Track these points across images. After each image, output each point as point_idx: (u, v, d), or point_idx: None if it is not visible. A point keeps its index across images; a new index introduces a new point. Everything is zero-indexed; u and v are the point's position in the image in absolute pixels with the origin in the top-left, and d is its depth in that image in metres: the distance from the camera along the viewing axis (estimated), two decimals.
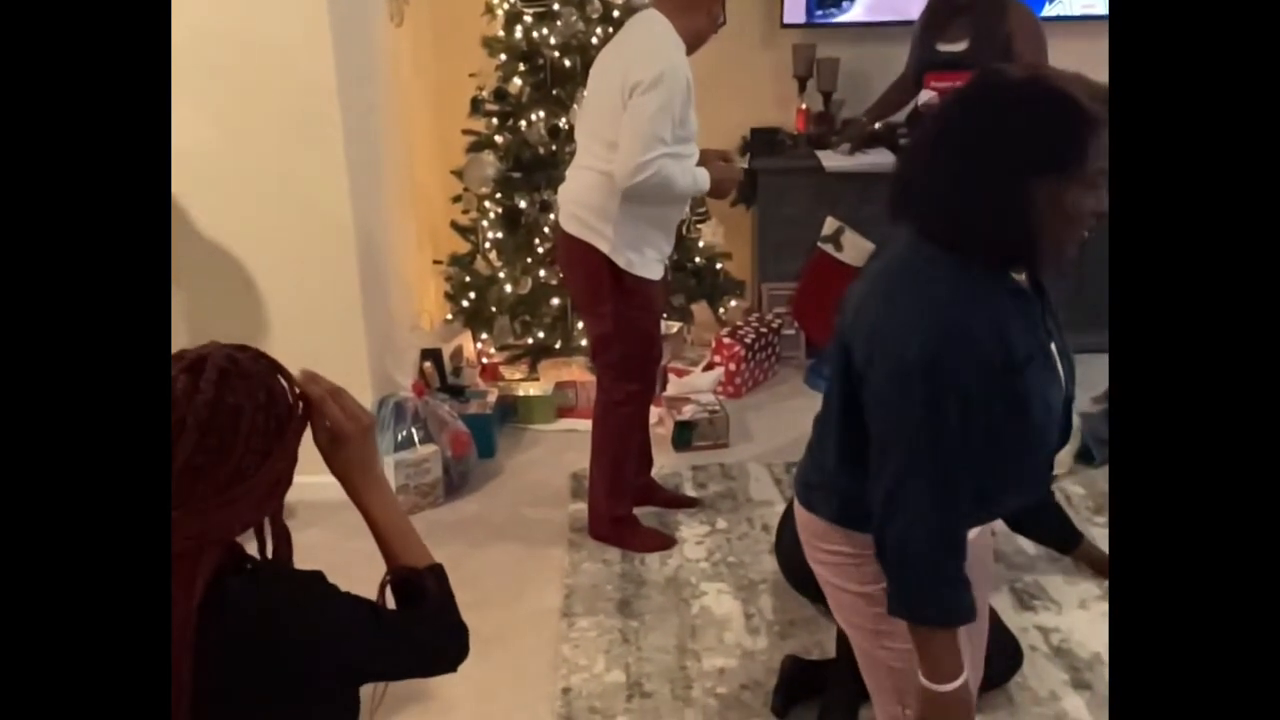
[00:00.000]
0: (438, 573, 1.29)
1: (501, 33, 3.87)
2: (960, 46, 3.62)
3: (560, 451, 3.62)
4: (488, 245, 3.97)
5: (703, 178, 2.77)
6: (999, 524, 2.44)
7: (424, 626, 1.26)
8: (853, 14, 4.38)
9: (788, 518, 2.75)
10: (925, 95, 3.66)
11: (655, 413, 3.36)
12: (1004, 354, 1.38)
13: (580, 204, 2.79)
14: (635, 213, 2.75)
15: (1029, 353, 1.42)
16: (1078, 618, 2.65)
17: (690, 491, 3.36)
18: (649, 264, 2.83)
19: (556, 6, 3.73)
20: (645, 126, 2.60)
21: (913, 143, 1.53)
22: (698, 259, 4.11)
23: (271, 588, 1.14)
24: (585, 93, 2.91)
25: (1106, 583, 2.70)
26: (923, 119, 3.65)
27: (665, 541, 3.06)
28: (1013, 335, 1.40)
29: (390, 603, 1.25)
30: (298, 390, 1.19)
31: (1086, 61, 1.63)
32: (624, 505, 3.07)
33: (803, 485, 1.69)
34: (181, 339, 1.19)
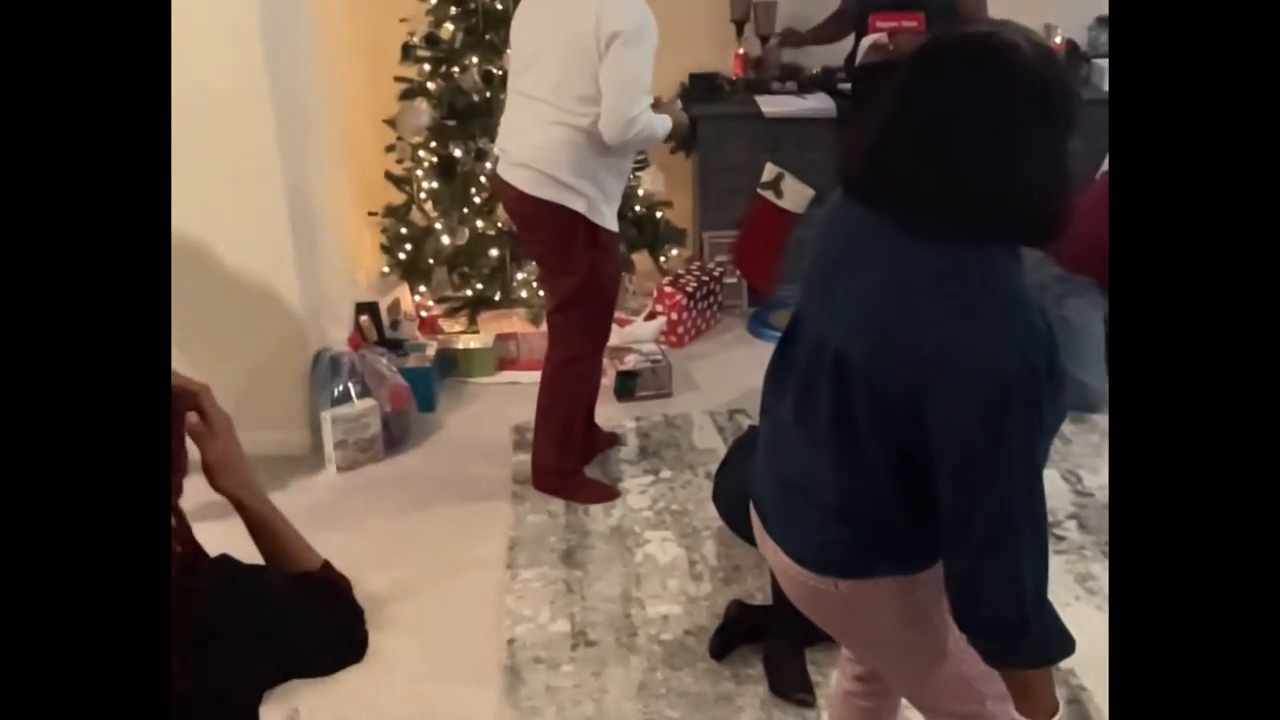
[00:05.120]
0: (329, 564, 1.26)
1: None
2: None
3: (502, 404, 3.58)
4: (423, 196, 3.89)
5: (668, 123, 2.75)
6: None
7: (353, 620, 1.24)
8: None
9: (726, 466, 2.76)
10: (871, 39, 3.60)
11: None
12: (1054, 347, 1.24)
13: (552, 164, 2.67)
14: (612, 166, 2.72)
15: None
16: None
17: (633, 441, 3.35)
18: (614, 216, 2.81)
19: None
20: (633, 79, 2.55)
21: (900, 131, 1.28)
22: (638, 208, 4.07)
23: (237, 584, 1.10)
24: (521, 41, 2.75)
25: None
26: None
27: (610, 493, 3.06)
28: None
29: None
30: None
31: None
32: (572, 460, 3.06)
33: (832, 560, 1.45)
34: None
